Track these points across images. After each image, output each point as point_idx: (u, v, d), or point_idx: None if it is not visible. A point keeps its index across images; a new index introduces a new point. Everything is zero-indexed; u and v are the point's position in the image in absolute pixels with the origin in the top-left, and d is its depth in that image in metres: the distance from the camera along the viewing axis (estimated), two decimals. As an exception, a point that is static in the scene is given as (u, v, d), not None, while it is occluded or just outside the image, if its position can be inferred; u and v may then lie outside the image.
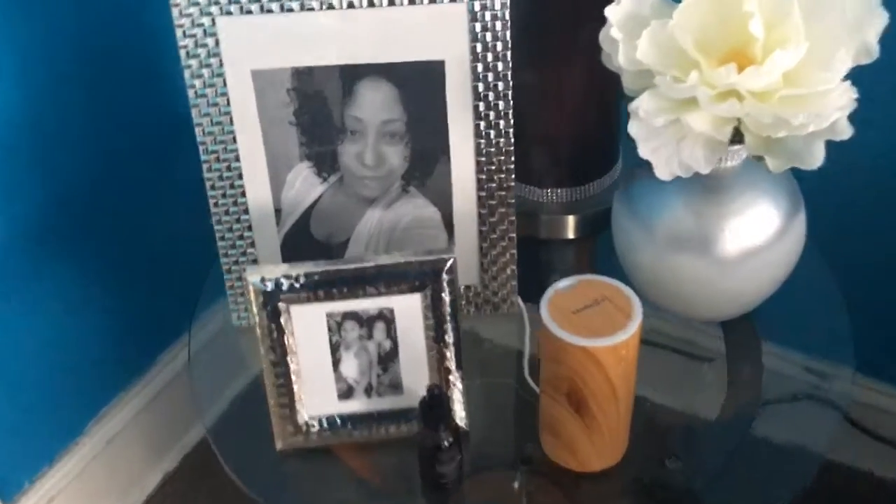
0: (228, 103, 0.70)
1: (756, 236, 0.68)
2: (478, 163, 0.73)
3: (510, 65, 0.69)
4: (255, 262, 0.76)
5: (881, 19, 0.55)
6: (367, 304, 0.65)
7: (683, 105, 0.57)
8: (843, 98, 0.54)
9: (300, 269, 0.64)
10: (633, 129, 0.58)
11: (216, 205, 0.74)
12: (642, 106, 0.57)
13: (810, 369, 0.78)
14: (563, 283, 0.62)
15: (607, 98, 0.82)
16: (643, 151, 0.58)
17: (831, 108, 0.54)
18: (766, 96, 0.56)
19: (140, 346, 1.20)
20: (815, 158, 0.55)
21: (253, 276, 0.64)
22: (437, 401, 0.61)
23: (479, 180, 0.73)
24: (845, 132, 0.54)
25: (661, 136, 0.58)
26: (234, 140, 0.71)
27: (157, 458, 1.25)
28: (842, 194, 0.95)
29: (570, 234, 0.87)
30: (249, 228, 0.75)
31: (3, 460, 1.04)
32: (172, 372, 1.24)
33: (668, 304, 0.74)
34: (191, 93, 0.69)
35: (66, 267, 1.05)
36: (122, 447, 1.18)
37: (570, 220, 0.86)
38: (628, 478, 0.67)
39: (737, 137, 0.59)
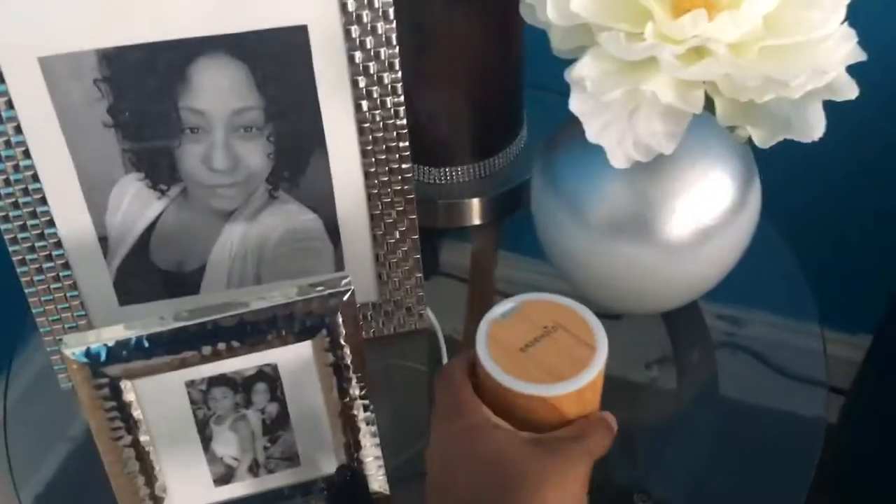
0: (11, 105, 0.51)
1: (710, 213, 0.56)
2: (363, 151, 0.56)
3: (394, 23, 0.53)
4: (81, 307, 0.58)
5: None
6: (239, 364, 0.49)
7: (635, 68, 0.43)
8: (846, 44, 0.41)
9: (140, 330, 0.47)
10: (577, 105, 0.44)
11: (14, 241, 0.55)
12: (588, 74, 0.42)
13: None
14: (499, 310, 0.47)
15: (509, 52, 0.67)
16: (591, 134, 0.44)
17: (832, 58, 0.41)
18: (744, 49, 0.42)
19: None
20: (815, 126, 0.42)
21: (73, 349, 0.46)
22: (352, 481, 0.46)
23: (367, 173, 0.57)
24: (848, 90, 0.42)
25: (609, 109, 0.44)
26: (28, 154, 0.52)
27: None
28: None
29: (476, 220, 0.72)
30: (66, 266, 0.56)
31: None
32: None
33: (603, 299, 0.61)
34: (-46, 94, 0.50)
35: None
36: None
37: (475, 204, 0.72)
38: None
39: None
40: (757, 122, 0.44)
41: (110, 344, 0.46)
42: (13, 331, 0.67)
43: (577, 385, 0.44)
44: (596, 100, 0.43)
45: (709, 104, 0.45)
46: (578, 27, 0.44)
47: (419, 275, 0.62)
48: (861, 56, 0.42)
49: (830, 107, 0.44)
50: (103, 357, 0.46)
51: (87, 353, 0.46)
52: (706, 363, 0.69)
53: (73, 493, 0.59)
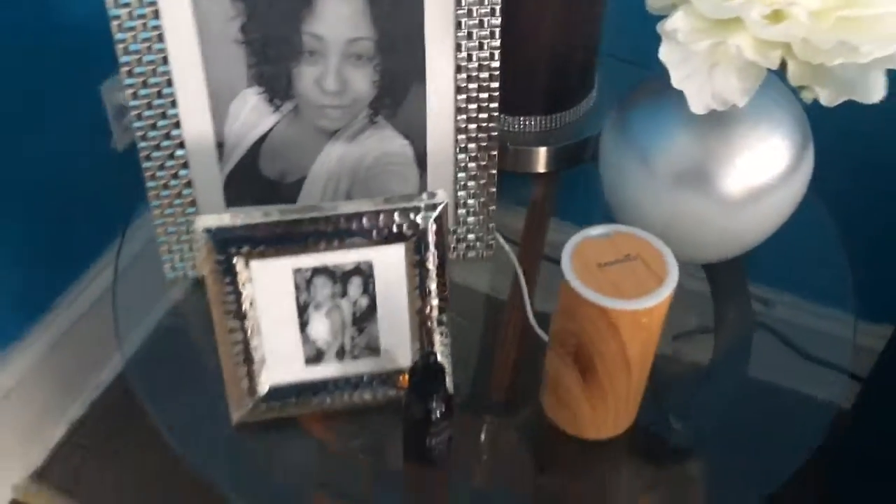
0: (157, 15, 0.58)
1: (766, 173, 0.62)
2: (458, 88, 0.63)
3: (499, -25, 0.59)
4: (192, 204, 0.64)
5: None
6: (341, 258, 0.55)
7: (721, 26, 0.49)
8: (910, 20, 0.47)
9: (262, 218, 0.53)
10: (666, 54, 0.50)
11: (144, 138, 0.61)
12: (680, 27, 0.48)
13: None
14: (595, 231, 0.54)
15: (590, 17, 0.73)
16: (676, 80, 0.50)
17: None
18: (820, 16, 0.48)
19: (44, 284, 1.08)
20: (875, 90, 0.48)
21: (203, 225, 0.53)
22: (431, 369, 0.53)
23: (458, 108, 0.64)
24: (910, 60, 0.48)
25: (696, 62, 0.50)
26: (166, 61, 0.59)
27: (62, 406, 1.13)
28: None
29: (540, 168, 0.79)
30: (185, 166, 0.63)
31: None
32: (76, 314, 1.12)
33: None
34: (109, 2, 0.56)
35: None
36: (23, 397, 1.06)
37: (542, 153, 0.78)
38: (629, 444, 0.61)
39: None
40: (825, 83, 0.50)
41: (235, 225, 0.53)
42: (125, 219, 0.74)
43: (635, 306, 0.50)
44: (683, 50, 0.49)
45: (779, 66, 0.51)
46: (672, -14, 0.50)
47: (493, 207, 0.68)
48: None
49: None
50: (227, 239, 0.53)
51: (215, 231, 0.52)
52: (744, 323, 0.75)
53: (166, 355, 0.66)
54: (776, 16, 0.48)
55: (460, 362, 0.61)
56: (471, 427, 0.61)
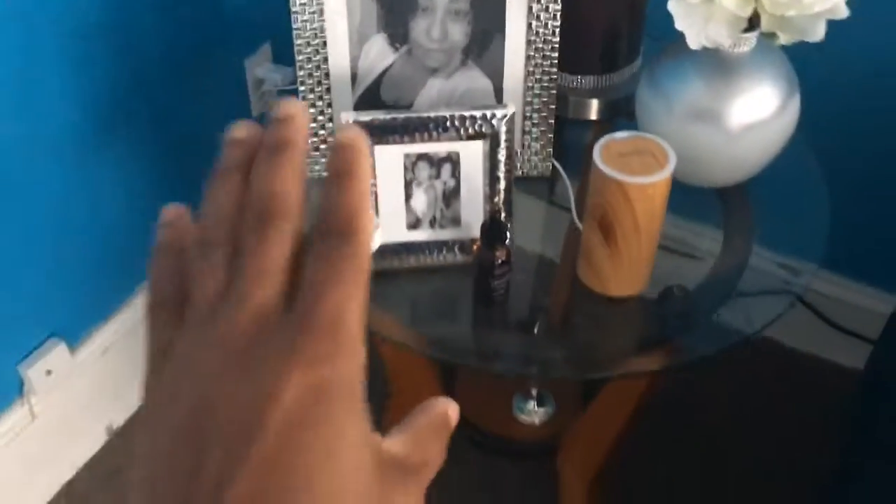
0: (319, -22, 0.82)
1: (759, 111, 0.82)
2: (528, 41, 0.85)
3: (563, -46, 0.82)
4: (330, 120, 0.88)
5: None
6: (437, 148, 0.78)
7: (712, -12, 0.71)
8: (842, -16, 0.68)
9: (385, 115, 0.77)
10: (673, 5, 0.71)
11: (301, 68, 0.86)
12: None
13: (783, 265, 0.93)
14: (619, 135, 0.75)
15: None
16: (679, 23, 0.72)
17: (832, -9, 0.67)
18: (780, -19, 0.69)
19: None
20: (817, 32, 0.69)
21: (346, 118, 0.76)
22: (496, 224, 0.75)
23: (528, 56, 0.86)
24: (842, 12, 0.68)
25: (694, 12, 0.72)
26: (322, 12, 0.83)
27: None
28: (830, 85, 1.09)
29: (593, 116, 1.01)
30: (328, 91, 0.87)
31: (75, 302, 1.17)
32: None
33: (682, 171, 0.88)
34: (289, -33, 0.81)
35: (134, 140, 1.17)
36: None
37: (594, 104, 1.00)
38: (644, 304, 0.82)
39: (750, 26, 0.72)
40: (785, 29, 0.70)
41: (368, 119, 0.76)
42: None
43: (643, 181, 0.71)
44: (686, 5, 0.71)
45: (754, 26, 0.72)
46: (680, -40, 0.72)
47: (551, 135, 0.90)
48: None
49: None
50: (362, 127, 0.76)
51: (354, 121, 0.76)
52: (744, 249, 0.94)
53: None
54: (748, -21, 0.69)
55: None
56: (525, 286, 0.83)
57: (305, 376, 0.25)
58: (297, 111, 0.28)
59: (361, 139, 0.28)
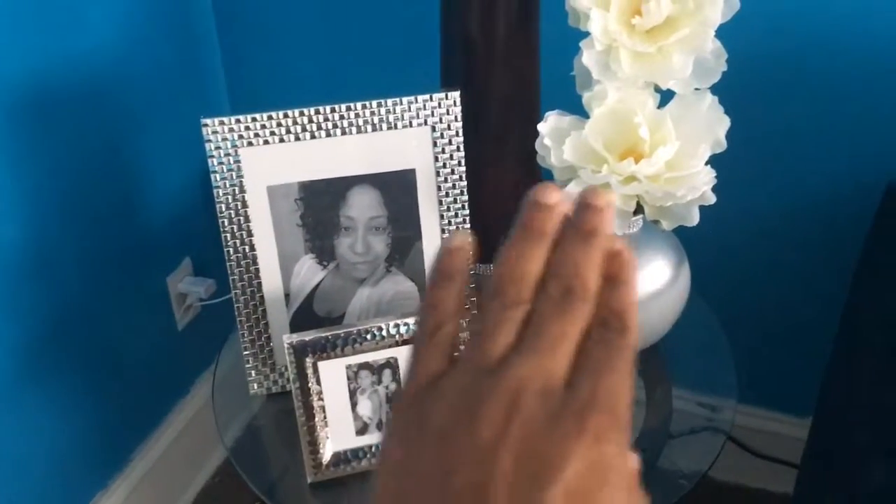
0: (248, 214, 0.89)
1: (655, 282, 0.92)
2: (444, 245, 0.94)
3: (464, 171, 0.92)
4: (269, 338, 0.94)
5: (726, 122, 0.81)
6: (376, 356, 0.84)
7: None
8: (707, 176, 0.79)
9: (324, 332, 0.83)
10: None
11: (238, 294, 0.92)
12: (572, 191, 0.80)
13: (703, 404, 1.01)
14: None
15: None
16: (576, 223, 0.82)
17: (700, 183, 0.79)
18: (656, 178, 0.80)
19: (121, 439, 1.34)
20: (693, 218, 0.80)
21: (287, 340, 0.82)
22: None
23: (445, 258, 0.94)
24: (710, 199, 0.79)
25: (586, 211, 0.82)
26: (253, 242, 0.90)
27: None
28: (715, 250, 1.22)
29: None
30: (265, 312, 0.93)
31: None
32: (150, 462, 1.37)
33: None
34: (220, 206, 0.88)
35: (65, 369, 1.19)
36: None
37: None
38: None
39: (638, 210, 0.83)
40: (666, 216, 0.81)
41: (309, 338, 0.82)
42: (217, 344, 1.03)
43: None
44: (578, 205, 0.81)
45: (641, 210, 0.82)
46: (569, 167, 0.83)
47: (475, 325, 0.97)
48: (712, 182, 0.79)
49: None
50: (304, 347, 0.82)
51: (296, 342, 0.82)
52: (665, 400, 1.02)
53: (258, 440, 0.92)
54: (628, 180, 0.80)
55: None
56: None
57: (590, 451, 0.27)
58: (606, 203, 0.32)
59: (631, 252, 0.32)
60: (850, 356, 1.09)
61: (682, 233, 0.92)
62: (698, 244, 0.99)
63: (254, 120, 0.87)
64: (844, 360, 1.09)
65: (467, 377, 0.30)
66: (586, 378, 0.29)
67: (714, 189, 0.80)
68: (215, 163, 0.87)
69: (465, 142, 0.91)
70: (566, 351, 0.30)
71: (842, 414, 1.11)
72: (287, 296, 0.93)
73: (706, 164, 0.80)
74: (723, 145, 0.81)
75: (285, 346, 0.82)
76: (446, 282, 0.35)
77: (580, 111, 0.83)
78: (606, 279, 0.32)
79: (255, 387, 0.95)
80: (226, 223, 0.89)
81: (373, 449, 0.86)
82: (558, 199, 0.33)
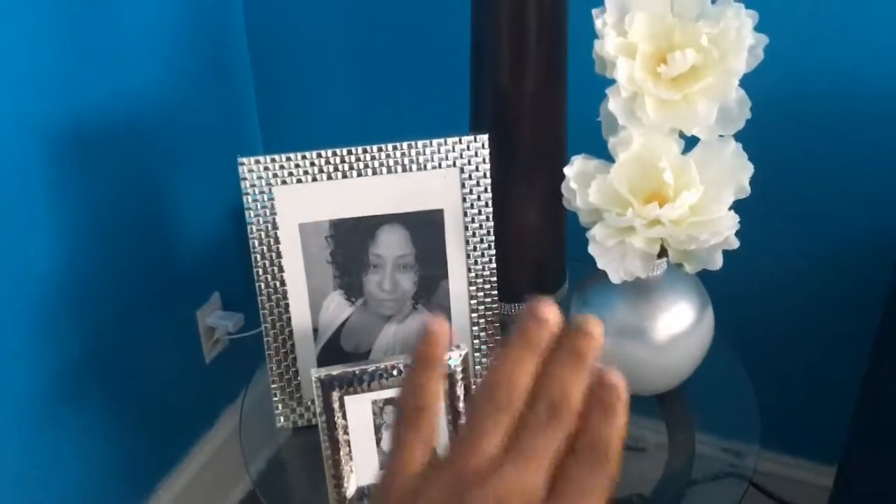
0: (280, 250, 0.92)
1: (678, 325, 0.93)
2: (469, 282, 0.96)
3: (491, 211, 0.94)
4: (297, 373, 0.95)
5: (749, 169, 0.82)
6: (402, 392, 0.85)
7: (624, 231, 0.83)
8: (731, 221, 0.81)
9: (352, 368, 0.84)
10: (592, 249, 0.83)
11: (268, 328, 0.94)
12: (597, 233, 0.82)
13: (726, 449, 1.01)
14: None
15: (558, 236, 1.08)
16: (600, 264, 0.83)
17: (723, 228, 0.80)
18: (679, 223, 0.81)
19: (147, 469, 1.36)
20: (716, 262, 0.81)
21: (315, 375, 0.83)
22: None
23: (470, 295, 0.96)
24: (734, 244, 0.81)
25: (611, 253, 0.83)
26: (284, 278, 0.93)
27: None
28: (740, 295, 1.22)
29: (534, 340, 1.10)
30: (293, 346, 0.95)
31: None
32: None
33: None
34: (252, 242, 0.91)
35: (94, 399, 1.21)
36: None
37: (534, 328, 1.09)
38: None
39: (661, 253, 0.84)
40: (689, 260, 0.82)
41: (336, 373, 0.84)
42: (242, 377, 1.05)
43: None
44: (602, 247, 0.82)
45: (665, 252, 0.84)
46: (594, 210, 0.84)
47: (500, 364, 0.98)
48: (736, 227, 0.80)
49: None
50: (331, 381, 0.84)
51: (324, 377, 0.83)
52: (687, 445, 1.02)
53: (283, 474, 0.93)
54: (652, 223, 0.81)
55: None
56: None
57: None
58: (597, 330, 0.35)
59: (623, 386, 0.34)
60: (876, 403, 1.08)
61: (706, 277, 0.93)
62: (722, 288, 1.00)
63: (288, 159, 0.89)
64: (871, 406, 1.09)
65: (450, 487, 0.33)
66: (565, 497, 0.33)
67: (738, 234, 0.82)
68: (250, 200, 0.90)
69: (492, 183, 0.93)
70: (545, 465, 0.33)
71: (868, 462, 1.11)
72: (315, 330, 0.95)
73: (730, 209, 0.82)
74: (746, 191, 0.82)
75: (313, 379, 0.83)
76: (426, 367, 0.38)
77: (606, 155, 0.85)
78: (600, 405, 0.35)
79: (282, 420, 0.96)
80: (258, 258, 0.91)
81: (396, 484, 0.87)
82: (554, 316, 0.36)
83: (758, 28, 0.80)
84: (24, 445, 1.11)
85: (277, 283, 0.93)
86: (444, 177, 0.92)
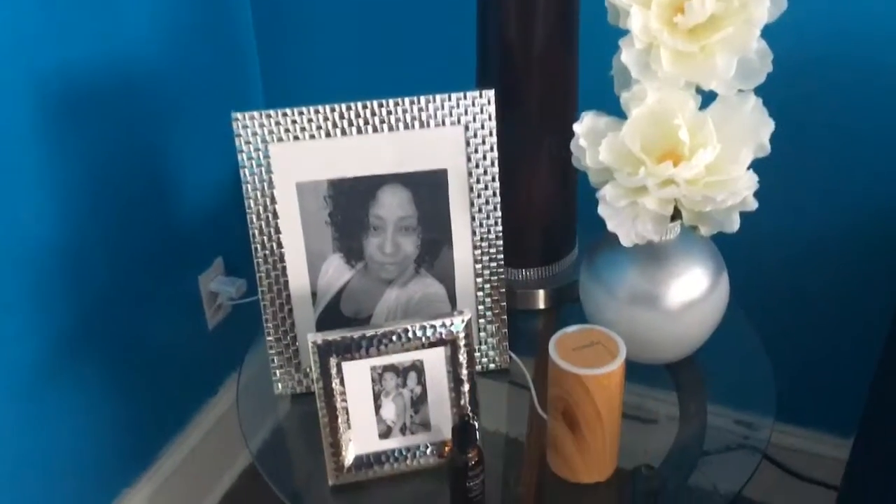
0: (276, 211, 0.88)
1: (692, 292, 0.89)
2: (475, 246, 0.92)
3: (497, 172, 0.90)
4: (295, 338, 0.92)
5: (770, 126, 0.78)
6: (402, 358, 0.82)
7: (636, 191, 0.78)
8: (749, 181, 0.76)
9: (350, 332, 0.81)
10: (602, 210, 0.79)
11: (265, 292, 0.90)
12: (607, 193, 0.78)
13: (739, 421, 0.97)
14: (570, 329, 0.81)
15: (568, 199, 1.04)
16: (610, 226, 0.79)
17: (741, 188, 0.76)
18: (694, 182, 0.77)
19: (148, 438, 1.34)
20: (733, 224, 0.77)
21: (312, 339, 0.80)
22: (466, 427, 0.78)
23: (475, 260, 0.92)
24: (752, 205, 0.76)
25: (621, 214, 0.79)
26: (280, 240, 0.89)
27: None
28: (756, 260, 1.18)
29: (541, 305, 1.06)
30: (291, 311, 0.91)
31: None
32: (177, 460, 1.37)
33: (632, 352, 0.93)
34: (248, 202, 0.87)
35: (94, 366, 1.19)
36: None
37: (541, 294, 1.06)
38: (615, 488, 0.84)
39: (675, 215, 0.80)
40: (704, 222, 0.78)
41: (333, 338, 0.80)
42: (246, 344, 1.02)
43: (599, 372, 0.76)
44: (613, 208, 0.78)
45: (679, 216, 0.79)
46: (605, 169, 0.80)
47: (505, 331, 0.95)
48: (755, 187, 0.76)
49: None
50: (328, 347, 0.80)
51: (321, 342, 0.80)
52: (699, 415, 0.98)
53: (283, 443, 0.91)
54: (665, 183, 0.77)
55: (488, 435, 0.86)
56: (500, 480, 0.85)
57: None
58: None
59: None
60: (895, 376, 1.04)
61: (721, 241, 0.89)
62: (739, 253, 0.95)
63: (284, 115, 0.85)
64: (890, 378, 1.05)
65: None
66: None
67: (756, 195, 0.77)
68: (245, 158, 0.86)
69: (498, 142, 0.89)
70: None
71: (886, 435, 1.07)
72: (314, 295, 0.92)
73: (748, 168, 0.77)
74: (766, 149, 0.78)
75: (309, 344, 0.80)
76: None
77: (618, 112, 0.81)
78: None
79: (280, 387, 0.93)
80: (254, 219, 0.88)
81: (395, 453, 0.84)
82: None
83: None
84: (22, 414, 1.09)
85: (274, 245, 0.89)
86: (448, 135, 0.88)
